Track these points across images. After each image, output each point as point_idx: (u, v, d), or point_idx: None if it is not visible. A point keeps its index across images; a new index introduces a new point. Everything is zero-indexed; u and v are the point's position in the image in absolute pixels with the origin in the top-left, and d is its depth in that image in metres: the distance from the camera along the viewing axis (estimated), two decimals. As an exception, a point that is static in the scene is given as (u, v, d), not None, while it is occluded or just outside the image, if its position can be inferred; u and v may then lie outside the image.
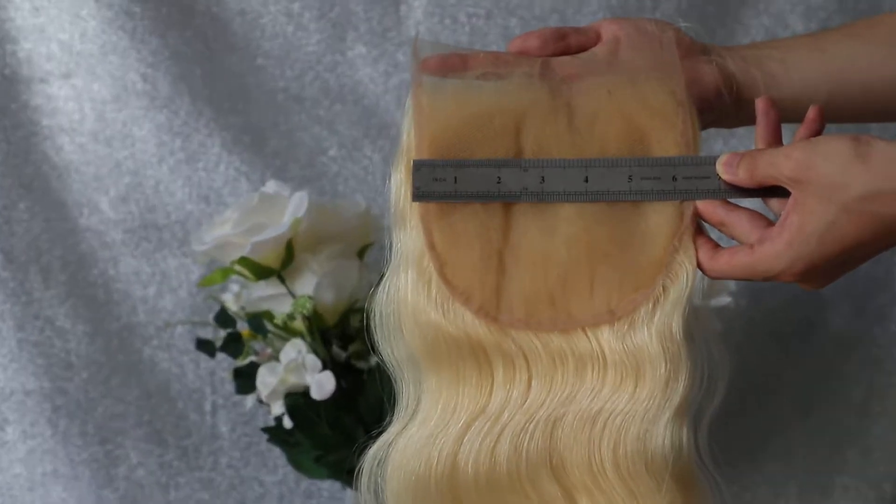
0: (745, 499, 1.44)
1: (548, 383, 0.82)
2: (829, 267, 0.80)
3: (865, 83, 0.91)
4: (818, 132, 0.84)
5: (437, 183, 0.82)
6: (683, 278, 0.82)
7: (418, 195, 0.82)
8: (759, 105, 0.84)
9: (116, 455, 1.48)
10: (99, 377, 1.47)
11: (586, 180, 0.82)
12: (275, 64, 1.46)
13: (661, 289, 0.81)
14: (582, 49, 0.88)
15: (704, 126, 0.85)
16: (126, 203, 1.47)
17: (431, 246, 0.82)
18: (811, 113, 0.84)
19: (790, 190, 0.79)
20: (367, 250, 1.33)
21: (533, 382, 0.82)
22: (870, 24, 0.93)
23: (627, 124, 0.83)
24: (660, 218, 0.82)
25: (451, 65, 0.85)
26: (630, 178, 0.82)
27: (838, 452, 1.46)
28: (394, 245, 0.84)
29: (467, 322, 0.82)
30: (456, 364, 0.83)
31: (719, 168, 0.81)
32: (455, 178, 0.82)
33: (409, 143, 0.84)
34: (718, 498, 0.84)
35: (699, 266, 0.82)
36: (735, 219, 0.82)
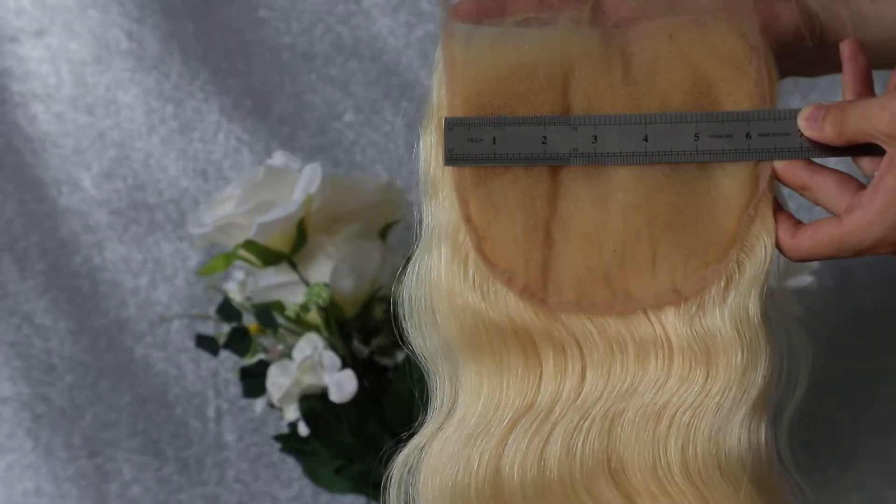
0: (832, 509, 1.48)
1: (605, 374, 0.81)
2: None
3: None
4: None
5: (473, 144, 0.81)
6: (761, 252, 0.81)
7: (451, 158, 0.81)
8: (846, 49, 0.82)
9: (107, 470, 1.47)
10: (85, 381, 1.47)
11: (646, 139, 0.81)
12: (279, 16, 1.46)
13: (736, 264, 0.81)
14: None
15: (782, 75, 0.85)
16: (111, 180, 1.47)
17: (468, 218, 0.82)
18: None
19: (885, 148, 0.78)
20: (391, 230, 1.32)
21: (588, 373, 0.82)
22: None
23: (693, 73, 0.82)
24: (732, 182, 0.81)
25: (487, 9, 0.84)
26: (697, 136, 0.81)
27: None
28: (424, 219, 0.84)
29: (510, 305, 0.81)
30: (499, 354, 0.82)
31: (801, 123, 0.80)
32: (494, 138, 0.81)
33: (440, 100, 0.83)
34: (803, 506, 0.85)
35: (779, 247, 0.81)
36: (820, 182, 0.80)
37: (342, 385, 1.22)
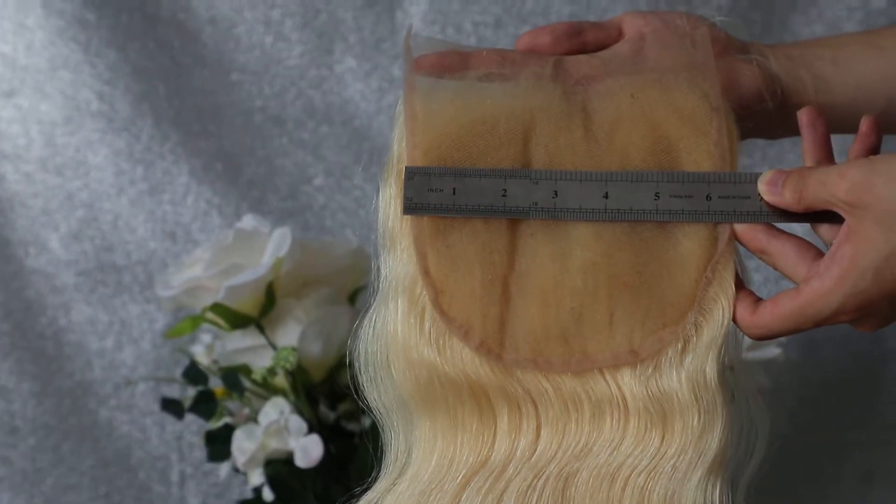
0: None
1: (559, 433, 0.81)
2: (888, 305, 0.78)
3: None
4: (875, 148, 0.83)
5: (433, 194, 0.81)
6: (718, 315, 0.81)
7: (410, 207, 0.81)
8: (803, 117, 0.83)
9: None
10: (48, 443, 1.46)
11: (606, 196, 0.81)
12: (251, 80, 1.47)
13: (693, 327, 0.80)
14: (601, 47, 0.88)
15: (743, 136, 0.85)
16: (79, 241, 1.47)
17: (426, 272, 0.81)
18: (864, 125, 0.83)
19: (844, 216, 0.78)
20: (360, 294, 1.32)
21: (542, 431, 0.81)
22: None
23: (654, 132, 0.82)
24: (691, 243, 0.81)
25: (450, 64, 0.84)
26: (657, 195, 0.81)
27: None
28: (381, 272, 0.83)
29: (466, 360, 0.81)
30: (453, 409, 0.82)
31: (761, 188, 0.80)
32: (454, 189, 0.81)
33: (400, 153, 0.83)
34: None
35: (740, 325, 0.80)
36: (779, 247, 0.80)
37: (308, 450, 1.21)
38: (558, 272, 0.80)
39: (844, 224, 0.78)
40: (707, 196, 0.81)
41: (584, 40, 0.87)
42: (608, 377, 0.80)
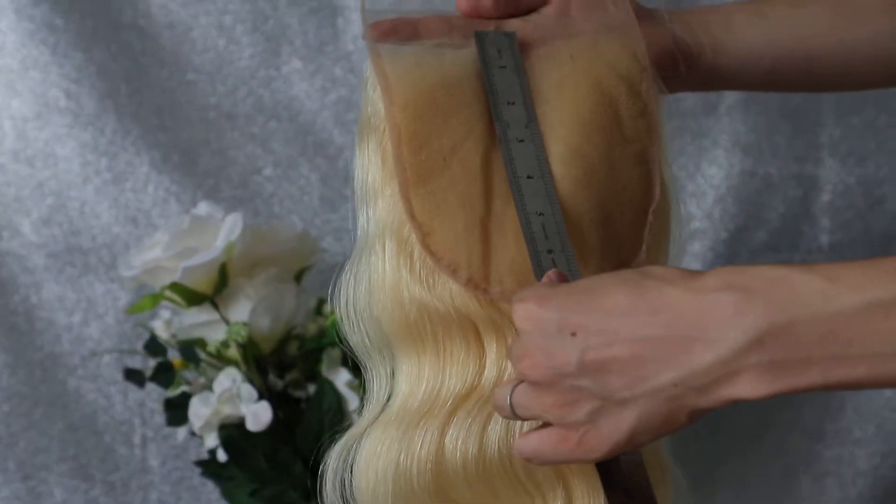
0: (695, 528, 1.46)
1: None
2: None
3: (809, 52, 0.92)
4: None
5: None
6: (664, 257, 0.84)
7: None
8: None
9: (40, 492, 1.47)
10: (21, 409, 1.46)
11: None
12: (206, 79, 1.46)
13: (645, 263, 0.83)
14: (531, 9, 0.88)
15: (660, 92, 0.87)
16: (49, 226, 1.46)
17: (412, 215, 0.81)
18: None
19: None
20: (305, 274, 1.34)
21: None
22: None
23: (597, 87, 0.84)
24: (635, 189, 0.84)
25: (402, 30, 0.84)
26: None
27: (792, 478, 1.47)
28: (361, 225, 0.83)
29: (455, 295, 0.81)
30: (442, 343, 0.82)
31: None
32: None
33: (375, 110, 0.83)
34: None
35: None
36: None
37: (258, 415, 1.24)
38: None
39: None
40: None
41: (517, 4, 0.87)
42: None
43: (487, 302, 0.81)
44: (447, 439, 0.80)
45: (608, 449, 0.73)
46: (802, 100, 1.44)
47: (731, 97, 1.44)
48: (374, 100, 0.83)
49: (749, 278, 0.69)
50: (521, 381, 0.75)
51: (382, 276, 0.82)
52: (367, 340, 0.83)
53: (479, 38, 0.85)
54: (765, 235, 1.46)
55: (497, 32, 0.86)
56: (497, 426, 0.80)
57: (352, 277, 0.82)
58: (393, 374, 0.83)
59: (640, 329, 0.70)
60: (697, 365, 0.68)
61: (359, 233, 0.83)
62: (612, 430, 0.72)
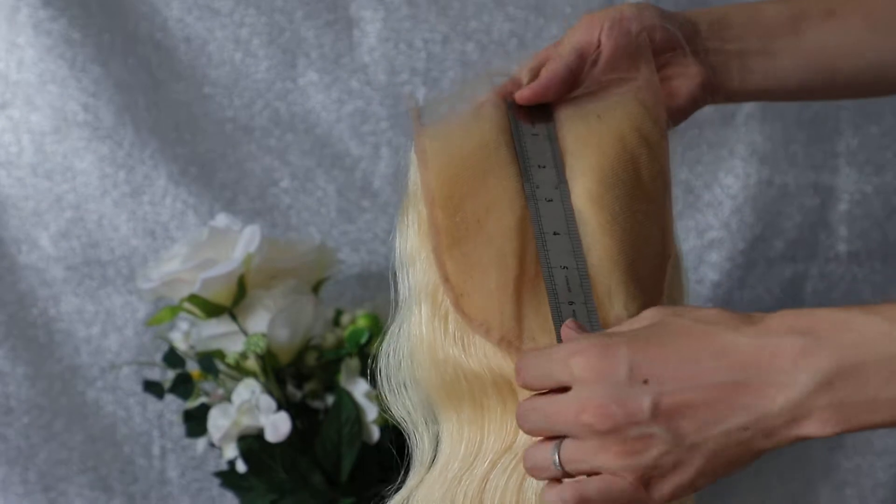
0: (717, 539, 1.45)
1: None
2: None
3: (836, 70, 0.94)
4: None
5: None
6: (683, 297, 0.86)
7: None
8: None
9: (60, 503, 1.47)
10: (40, 421, 1.47)
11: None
12: (222, 92, 1.47)
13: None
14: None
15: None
16: (67, 239, 1.47)
17: (445, 278, 0.83)
18: None
19: None
20: (322, 285, 1.35)
21: None
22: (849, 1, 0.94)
23: (621, 143, 0.86)
24: (656, 243, 0.85)
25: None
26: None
27: (811, 489, 1.47)
28: (402, 290, 0.85)
29: (489, 355, 0.82)
30: (479, 401, 0.83)
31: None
32: None
33: (414, 189, 0.85)
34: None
35: None
36: None
37: (277, 426, 1.25)
38: None
39: None
40: None
41: (574, 83, 0.89)
42: None
43: None
44: (486, 496, 0.82)
45: (670, 492, 0.74)
46: (819, 109, 1.45)
47: (748, 107, 1.45)
48: (414, 177, 0.86)
49: (812, 321, 0.70)
50: (564, 438, 0.75)
51: (420, 338, 0.83)
52: (409, 406, 0.85)
53: (512, 107, 0.87)
54: (782, 245, 1.47)
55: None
56: (534, 480, 0.81)
57: (395, 341, 0.85)
58: (437, 439, 0.85)
59: (709, 374, 0.71)
60: (768, 408, 0.70)
61: (401, 298, 0.85)
62: (678, 474, 0.73)
